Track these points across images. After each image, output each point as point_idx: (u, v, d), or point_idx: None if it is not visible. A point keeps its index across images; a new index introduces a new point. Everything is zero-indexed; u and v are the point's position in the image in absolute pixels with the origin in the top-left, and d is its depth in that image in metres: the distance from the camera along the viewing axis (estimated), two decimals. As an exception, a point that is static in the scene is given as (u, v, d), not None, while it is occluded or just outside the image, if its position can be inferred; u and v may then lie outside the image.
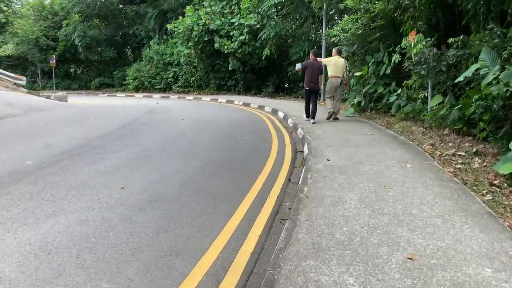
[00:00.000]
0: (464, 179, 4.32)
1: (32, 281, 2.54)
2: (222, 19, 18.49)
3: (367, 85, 9.55)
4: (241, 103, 15.80)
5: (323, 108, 10.10)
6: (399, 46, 8.06)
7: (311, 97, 9.01)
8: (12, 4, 30.26)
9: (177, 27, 19.37)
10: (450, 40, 6.71)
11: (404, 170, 4.71)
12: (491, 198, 3.75)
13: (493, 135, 5.38)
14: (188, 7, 19.37)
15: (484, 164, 4.80)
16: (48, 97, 16.32)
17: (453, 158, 5.17)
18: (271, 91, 18.96)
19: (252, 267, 2.81)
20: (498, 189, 3.96)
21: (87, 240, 3.12)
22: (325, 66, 9.46)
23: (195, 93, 21.07)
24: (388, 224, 3.18)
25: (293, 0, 15.68)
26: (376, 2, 8.85)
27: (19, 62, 28.50)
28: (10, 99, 12.77)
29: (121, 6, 29.34)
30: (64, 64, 29.41)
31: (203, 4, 19.30)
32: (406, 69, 8.00)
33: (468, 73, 5.52)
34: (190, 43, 19.25)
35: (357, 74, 9.84)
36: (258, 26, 17.43)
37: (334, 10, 14.07)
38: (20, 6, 30.18)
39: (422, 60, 7.01)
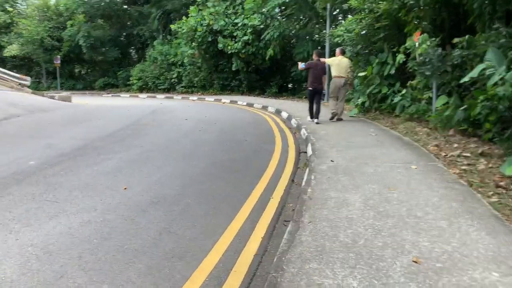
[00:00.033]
0: (469, 180, 4.25)
1: (33, 283, 2.53)
2: (226, 19, 18.47)
3: (371, 85, 9.50)
4: (244, 103, 15.79)
5: (327, 109, 10.06)
6: (403, 46, 8.02)
7: (315, 98, 8.98)
8: (17, 4, 30.42)
9: (181, 28, 19.39)
10: (455, 40, 6.65)
11: (408, 172, 4.66)
12: (497, 200, 3.69)
13: (499, 136, 5.32)
14: (191, 8, 19.39)
15: (490, 165, 4.73)
16: (52, 97, 16.38)
17: (458, 159, 5.11)
18: (275, 92, 18.95)
19: (255, 269, 2.77)
20: (504, 191, 3.89)
21: (89, 241, 3.11)
22: (329, 66, 9.42)
23: (198, 93, 21.09)
24: (393, 226, 3.14)
25: (297, 0, 15.64)
26: (380, 2, 8.81)
27: (24, 63, 28.69)
28: (14, 100, 12.84)
29: (125, 6, 29.45)
30: (69, 64, 29.51)
31: (207, 5, 19.30)
32: (410, 70, 7.95)
33: (474, 73, 5.47)
34: (193, 44, 19.27)
35: (361, 74, 9.79)
36: (261, 26, 17.41)
37: (338, 10, 14.05)
38: (25, 6, 30.32)
39: (426, 60, 6.96)
